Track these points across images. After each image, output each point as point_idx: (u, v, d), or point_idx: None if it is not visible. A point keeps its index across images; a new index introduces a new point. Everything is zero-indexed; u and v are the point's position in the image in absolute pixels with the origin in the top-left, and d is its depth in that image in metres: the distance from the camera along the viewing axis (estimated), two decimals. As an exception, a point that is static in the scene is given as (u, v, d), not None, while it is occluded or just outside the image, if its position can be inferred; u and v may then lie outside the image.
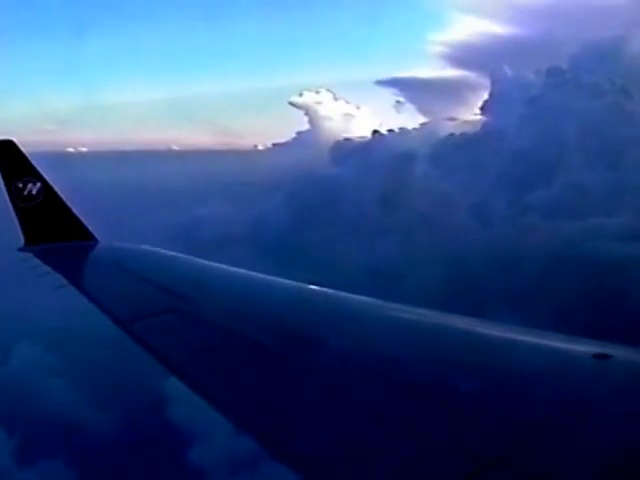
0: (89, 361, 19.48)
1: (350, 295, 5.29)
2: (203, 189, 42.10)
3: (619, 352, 3.61)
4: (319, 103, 53.37)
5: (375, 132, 53.59)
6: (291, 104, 54.60)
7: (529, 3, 53.83)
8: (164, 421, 16.44)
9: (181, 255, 7.29)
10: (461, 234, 31.98)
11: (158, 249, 7.46)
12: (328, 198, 36.42)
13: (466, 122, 49.28)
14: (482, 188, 38.55)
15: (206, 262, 6.71)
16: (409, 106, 55.53)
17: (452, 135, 48.11)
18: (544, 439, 2.94)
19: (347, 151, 43.08)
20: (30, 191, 7.49)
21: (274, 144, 50.33)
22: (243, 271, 6.37)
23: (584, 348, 3.77)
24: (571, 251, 28.75)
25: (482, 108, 47.01)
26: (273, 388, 3.82)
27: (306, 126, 53.05)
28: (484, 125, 47.04)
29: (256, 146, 52.00)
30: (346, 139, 51.85)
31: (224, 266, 6.56)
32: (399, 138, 51.06)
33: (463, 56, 58.65)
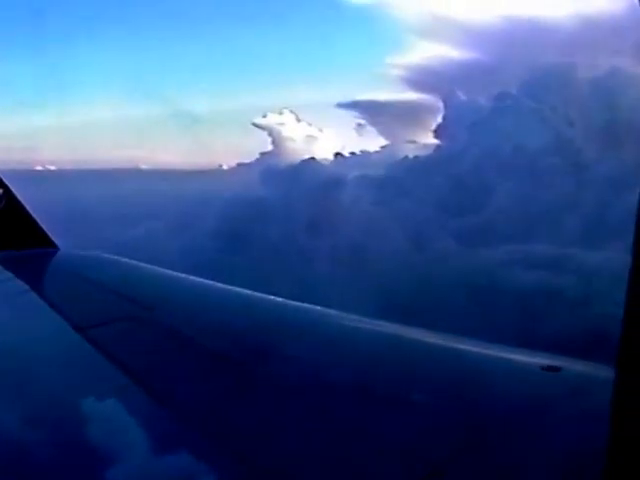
0: None
1: (311, 306, 5.36)
2: (150, 208, 42.32)
3: (568, 364, 3.70)
4: (282, 125, 53.53)
5: (337, 154, 53.91)
6: (255, 125, 54.74)
7: (485, 28, 53.83)
8: None
9: (142, 264, 7.30)
10: (377, 260, 31.90)
11: (119, 257, 7.48)
12: (256, 221, 36.61)
13: (425, 145, 49.27)
14: (417, 212, 38.59)
15: (167, 271, 6.81)
16: (370, 129, 55.23)
17: (405, 158, 48.23)
18: (494, 450, 2.99)
19: (282, 174, 43.29)
20: None
21: (238, 164, 50.31)
22: (205, 281, 6.41)
23: (534, 360, 3.83)
24: (479, 278, 28.62)
25: (435, 131, 46.95)
26: (232, 398, 3.82)
27: (270, 147, 53.22)
28: (436, 149, 47.13)
29: (221, 166, 51.87)
30: (305, 161, 52.24)
31: (185, 275, 6.65)
32: (355, 160, 51.28)
33: (421, 79, 58.79)
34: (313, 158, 51.72)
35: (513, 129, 40.11)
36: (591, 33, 44.60)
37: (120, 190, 47.16)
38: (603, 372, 3.24)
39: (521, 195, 36.98)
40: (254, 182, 45.96)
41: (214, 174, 50.22)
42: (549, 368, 3.57)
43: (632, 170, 36.69)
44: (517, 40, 48.35)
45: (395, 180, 43.82)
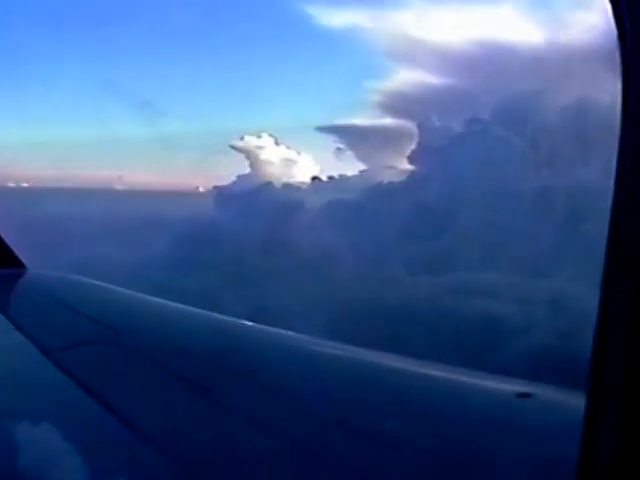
0: None
1: (278, 330, 5.42)
2: (113, 228, 42.29)
3: (540, 391, 3.76)
4: (260, 147, 53.42)
5: (314, 178, 53.69)
6: (232, 147, 54.65)
7: (461, 54, 53.63)
8: None
9: (111, 286, 7.24)
10: (321, 285, 31.55)
11: (88, 279, 7.46)
12: (211, 244, 36.45)
13: (403, 171, 48.92)
14: (379, 238, 38.26)
15: (136, 293, 6.77)
16: (350, 153, 54.96)
17: (380, 184, 47.90)
18: (470, 476, 3.03)
19: (249, 197, 43.19)
20: None
21: (215, 187, 50.18)
22: (173, 304, 6.40)
23: (508, 387, 3.88)
24: (416, 306, 28.16)
25: (409, 157, 46.64)
26: (197, 423, 3.80)
27: (247, 170, 53.11)
28: (410, 174, 46.78)
29: (197, 188, 51.73)
30: (266, 184, 52.14)
31: (154, 298, 6.62)
32: (332, 184, 50.99)
33: (399, 105, 58.53)
34: (289, 182, 51.78)
35: (479, 156, 39.74)
36: (564, 61, 44.19)
37: (87, 210, 47.18)
38: (574, 397, 3.18)
39: (481, 222, 36.54)
40: (222, 205, 45.90)
41: (189, 196, 49.93)
42: (522, 394, 3.60)
43: (594, 198, 36.25)
44: (492, 66, 48.12)
45: (365, 205, 43.66)
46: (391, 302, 28.87)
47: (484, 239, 34.91)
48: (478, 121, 43.13)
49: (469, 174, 39.80)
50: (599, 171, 38.06)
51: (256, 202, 45.09)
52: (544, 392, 3.77)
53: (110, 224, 42.72)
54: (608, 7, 1.41)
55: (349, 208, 43.61)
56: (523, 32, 57.95)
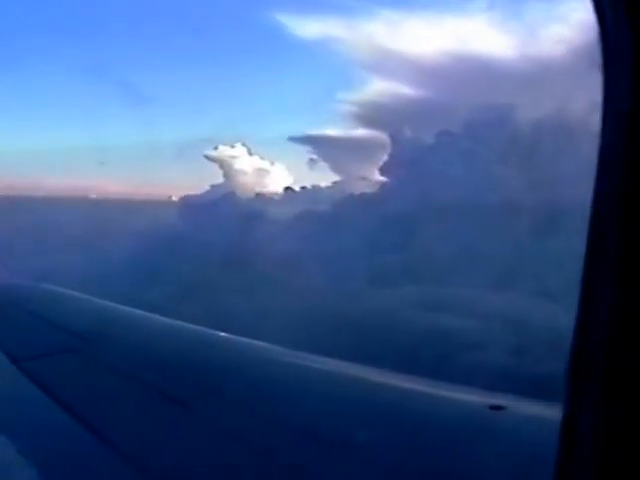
0: None
1: (250, 341, 5.44)
2: (79, 237, 41.97)
3: (513, 403, 3.79)
4: (234, 157, 53.21)
5: (287, 188, 53.53)
6: (206, 157, 54.42)
7: (434, 66, 53.69)
8: None
9: (83, 295, 7.26)
10: (280, 297, 31.33)
11: (60, 288, 7.44)
12: (172, 255, 36.23)
13: (376, 182, 48.82)
14: (344, 250, 38.09)
15: (108, 303, 6.73)
16: (323, 164, 54.76)
17: (351, 195, 47.80)
18: None
19: (215, 207, 43.08)
20: None
21: (188, 196, 49.98)
22: (146, 314, 6.38)
23: (481, 399, 3.88)
24: (372, 319, 27.94)
25: (381, 169, 46.55)
26: (167, 433, 3.78)
27: (221, 179, 52.90)
28: (382, 186, 46.67)
29: (170, 197, 51.45)
30: (257, 194, 52.00)
31: (127, 308, 6.57)
32: (304, 195, 50.85)
33: (373, 116, 58.52)
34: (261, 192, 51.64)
35: (448, 168, 39.67)
36: (536, 73, 44.20)
37: (56, 219, 46.86)
38: (547, 409, 3.34)
39: (446, 235, 36.42)
40: (188, 215, 45.74)
41: (162, 205, 49.61)
42: (495, 407, 3.62)
43: (560, 212, 36.15)
44: (464, 78, 48.11)
45: (335, 216, 43.56)
46: (347, 314, 28.65)
47: (448, 252, 34.77)
48: (448, 133, 43.05)
49: (437, 187, 39.74)
50: (566, 185, 38.03)
51: (224, 212, 44.92)
52: (517, 404, 3.81)
53: (78, 233, 42.37)
54: (590, 6, 1.41)
55: (319, 219, 43.51)
56: (496, 44, 58.07)
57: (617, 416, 1.30)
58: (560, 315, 27.13)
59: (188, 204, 48.02)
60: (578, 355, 1.43)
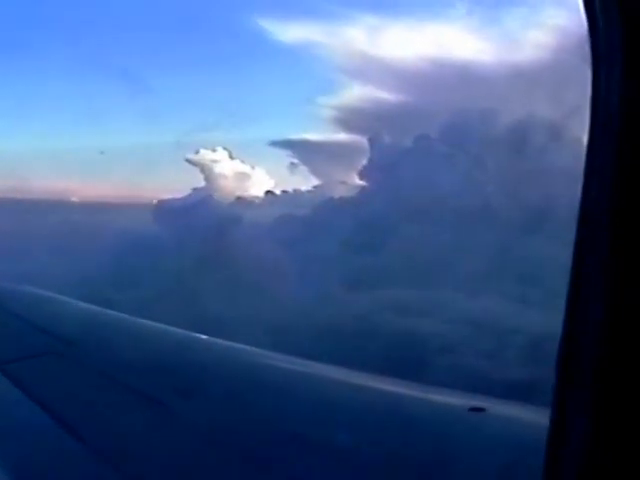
0: None
1: (231, 343, 5.47)
2: (57, 240, 41.81)
3: (493, 405, 3.78)
4: (215, 161, 53.14)
5: (268, 192, 53.51)
6: (188, 161, 54.31)
7: (414, 71, 53.87)
8: None
9: (65, 297, 7.18)
10: (252, 298, 31.37)
11: (41, 290, 7.37)
12: (147, 259, 36.21)
13: (356, 186, 48.84)
14: (320, 253, 38.16)
15: (90, 305, 6.75)
16: (303, 168, 54.80)
17: (331, 199, 47.84)
18: None
19: (192, 211, 43.05)
20: None
21: (169, 199, 49.84)
22: (129, 317, 6.35)
23: (461, 401, 3.90)
24: (343, 322, 28.03)
25: (360, 173, 46.64)
26: (150, 436, 3.77)
27: (202, 183, 52.77)
28: (361, 190, 46.76)
29: (152, 200, 51.30)
30: (239, 198, 52.00)
31: (109, 311, 6.62)
32: (285, 199, 50.89)
33: (353, 120, 58.53)
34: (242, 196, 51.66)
35: (424, 173, 39.86)
36: (516, 80, 44.47)
37: (36, 221, 46.70)
38: (526, 411, 3.46)
39: (422, 239, 36.58)
40: (171, 219, 45.65)
41: (143, 208, 49.49)
42: (475, 409, 3.62)
43: (538, 215, 36.39)
44: (444, 83, 48.33)
45: (314, 220, 43.59)
46: (321, 317, 28.75)
47: (425, 255, 34.93)
48: (426, 138, 43.23)
49: (414, 190, 39.91)
50: (541, 189, 38.27)
51: (204, 216, 44.89)
52: (497, 406, 3.82)
53: (57, 236, 42.23)
54: (581, 8, 1.40)
55: (299, 223, 43.54)
56: (475, 49, 58.28)
57: (606, 419, 1.30)
58: (534, 319, 27.28)
59: (168, 208, 47.94)
60: (566, 358, 1.41)
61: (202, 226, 42.77)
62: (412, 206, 39.18)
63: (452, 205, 38.01)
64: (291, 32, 66.97)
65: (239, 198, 51.75)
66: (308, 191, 52.19)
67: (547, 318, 28.72)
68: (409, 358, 24.53)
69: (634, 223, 1.29)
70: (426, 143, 42.71)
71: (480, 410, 3.64)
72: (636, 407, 1.28)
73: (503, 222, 36.97)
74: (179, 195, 50.86)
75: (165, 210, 49.02)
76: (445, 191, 38.79)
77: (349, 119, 59.84)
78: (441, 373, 23.03)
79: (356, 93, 65.89)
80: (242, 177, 53.88)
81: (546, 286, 31.43)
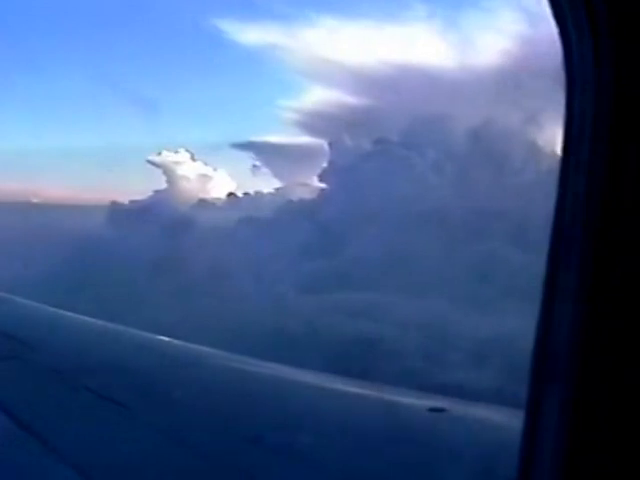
0: None
1: (192, 345, 5.48)
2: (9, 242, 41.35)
3: (453, 405, 3.84)
4: (177, 163, 52.89)
5: (230, 194, 53.37)
6: (150, 162, 54.01)
7: (375, 75, 54.11)
8: None
9: (27, 301, 7.17)
10: (203, 301, 31.24)
11: (3, 294, 7.28)
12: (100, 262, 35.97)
13: (317, 188, 48.87)
14: (276, 256, 38.10)
15: (52, 309, 6.68)
16: (265, 170, 54.63)
17: (291, 201, 47.88)
18: None
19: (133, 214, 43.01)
20: None
21: (130, 201, 49.47)
22: (92, 320, 6.35)
23: (421, 401, 3.95)
24: (292, 324, 28.03)
25: (320, 175, 46.69)
26: (113, 439, 3.74)
27: (164, 185, 52.49)
28: (320, 193, 46.85)
29: (114, 202, 50.85)
30: (201, 200, 51.82)
31: (71, 314, 6.53)
32: (246, 201, 50.81)
33: (314, 123, 58.75)
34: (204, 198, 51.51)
35: (382, 176, 39.97)
36: (475, 84, 44.81)
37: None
38: (486, 411, 3.55)
39: (378, 242, 36.66)
40: (131, 221, 45.39)
41: (104, 210, 49.12)
42: (435, 409, 3.69)
43: (490, 220, 36.63)
44: (404, 87, 48.55)
45: (273, 222, 43.56)
46: (267, 319, 28.71)
47: (378, 258, 34.99)
48: (385, 141, 43.42)
49: (370, 194, 40.02)
50: (497, 194, 38.57)
51: (165, 218, 44.69)
52: (457, 406, 3.90)
53: (10, 238, 41.74)
54: (553, 23, 1.42)
55: (258, 225, 43.46)
56: (435, 53, 58.71)
57: (579, 420, 1.31)
58: (479, 323, 27.40)
59: (128, 209, 47.67)
60: (540, 359, 1.41)
61: (160, 228, 42.58)
62: (368, 209, 39.28)
63: (407, 209, 38.17)
64: (250, 34, 66.72)
65: (201, 200, 51.60)
66: (270, 193, 52.13)
67: (492, 322, 28.96)
68: (352, 360, 24.61)
69: (607, 234, 1.30)
70: (385, 146, 42.88)
71: (440, 411, 3.71)
72: (606, 406, 1.30)
73: (457, 226, 37.23)
74: (140, 197, 50.70)
75: (125, 212, 48.75)
76: (401, 194, 38.94)
77: (310, 122, 60.04)
78: (383, 375, 23.14)
79: (317, 96, 66.07)
80: (204, 179, 53.73)
81: (495, 290, 31.73)
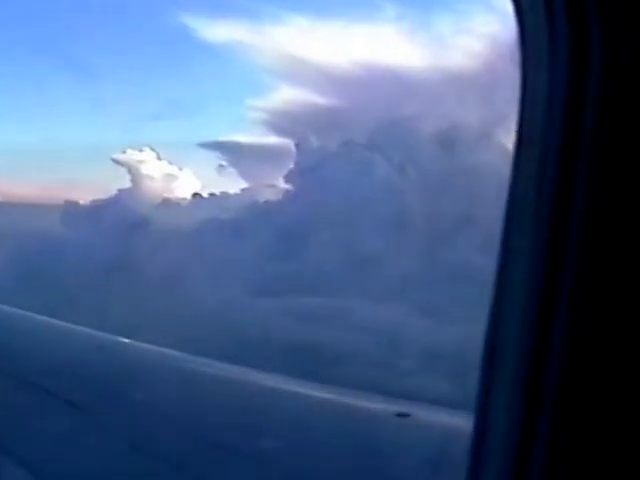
0: None
1: (149, 346, 5.44)
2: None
3: (419, 410, 3.92)
4: (142, 162, 51.78)
5: (195, 194, 52.36)
6: (114, 161, 52.85)
7: (345, 75, 53.52)
8: None
9: None
10: (156, 306, 30.48)
11: None
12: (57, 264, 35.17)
13: (282, 190, 48.00)
14: (237, 259, 37.38)
15: (7, 308, 6.56)
16: (232, 170, 53.58)
17: (256, 202, 47.07)
18: None
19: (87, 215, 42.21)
20: None
21: (93, 200, 48.45)
22: (52, 320, 6.34)
23: (387, 406, 4.03)
24: (244, 328, 27.33)
25: (286, 176, 45.88)
26: (68, 440, 3.74)
27: (128, 184, 51.38)
28: (285, 194, 46.06)
29: (77, 201, 49.68)
30: (165, 199, 50.83)
31: (29, 314, 6.48)
32: (212, 201, 49.90)
33: (282, 123, 57.86)
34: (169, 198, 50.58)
35: (347, 178, 39.37)
36: (444, 86, 44.28)
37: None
38: (452, 417, 3.47)
39: (340, 245, 36.06)
40: (92, 220, 44.57)
41: (63, 210, 47.99)
42: (401, 414, 3.76)
43: (454, 224, 35.99)
44: (373, 88, 47.96)
45: (236, 225, 42.84)
46: (217, 322, 28.00)
47: (339, 262, 34.42)
48: (352, 143, 42.78)
49: (334, 196, 39.43)
50: (464, 198, 37.93)
51: (127, 218, 43.78)
52: (423, 412, 3.96)
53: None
54: (514, 17, 1.43)
55: (221, 227, 42.77)
56: (405, 54, 58.07)
57: (528, 422, 1.31)
58: (438, 330, 26.63)
59: (90, 208, 46.78)
60: (490, 360, 1.43)
61: (120, 228, 41.72)
62: (331, 212, 38.68)
63: (371, 212, 37.54)
64: (217, 31, 65.22)
65: (165, 200, 50.58)
66: (236, 194, 51.16)
67: (450, 329, 28.22)
68: (300, 366, 23.80)
69: (558, 225, 1.30)
70: (351, 148, 42.20)
71: (406, 416, 3.75)
72: (555, 406, 1.30)
73: (421, 230, 36.62)
74: (103, 196, 49.60)
75: (86, 211, 47.75)
76: (365, 197, 38.34)
77: (278, 122, 58.92)
78: (331, 382, 22.35)
79: (285, 95, 64.73)
80: (169, 178, 52.65)
81: (456, 296, 31.04)
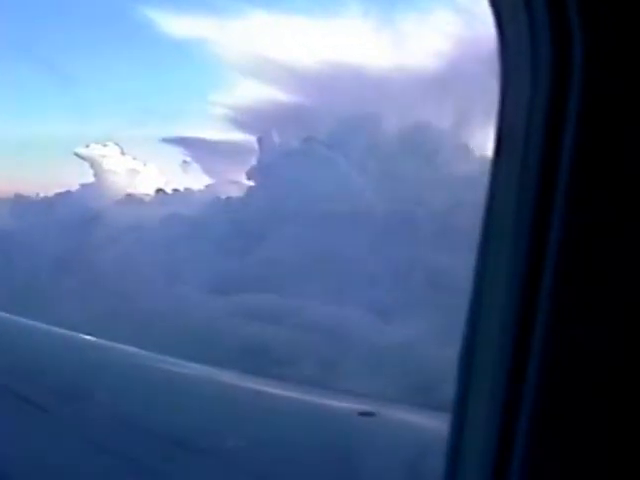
0: None
1: (115, 345, 5.33)
2: None
3: (383, 409, 3.92)
4: (105, 156, 51.15)
5: (159, 190, 51.84)
6: (77, 155, 52.16)
7: (309, 73, 53.38)
8: None
9: None
10: (106, 303, 30.09)
11: None
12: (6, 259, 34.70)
13: (245, 186, 47.65)
14: (192, 256, 36.96)
15: None
16: (196, 166, 53.12)
17: (219, 199, 46.76)
18: None
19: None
20: None
21: (56, 194, 47.85)
22: (19, 319, 6.19)
23: (350, 405, 4.04)
24: (194, 325, 27.06)
25: (248, 173, 45.56)
26: (34, 442, 3.67)
27: (91, 179, 50.75)
28: (248, 190, 45.76)
29: (38, 194, 49.01)
30: (128, 195, 50.29)
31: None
32: (175, 197, 49.47)
33: (247, 120, 57.39)
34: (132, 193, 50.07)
35: (307, 175, 39.17)
36: (408, 85, 44.20)
37: None
38: (417, 415, 3.79)
39: (297, 242, 35.83)
40: (50, 214, 44.01)
41: (15, 202, 47.29)
42: (365, 413, 3.76)
43: (415, 222, 35.85)
44: (337, 85, 47.74)
45: (197, 221, 42.50)
46: (165, 320, 27.69)
47: (293, 260, 34.20)
48: (313, 140, 42.59)
49: (294, 193, 39.26)
50: (425, 196, 37.84)
51: (86, 213, 43.29)
52: (387, 410, 3.89)
53: None
54: (492, 15, 1.41)
55: (183, 223, 42.40)
56: (369, 52, 57.91)
57: (507, 419, 1.31)
58: (387, 330, 26.42)
59: (49, 203, 46.22)
60: (467, 365, 1.42)
61: (78, 223, 41.22)
62: (290, 209, 38.48)
63: (329, 209, 37.36)
64: (181, 25, 64.28)
65: (128, 195, 50.04)
66: (199, 190, 50.77)
67: (401, 329, 28.01)
68: (244, 365, 23.57)
69: (539, 228, 1.30)
70: (311, 145, 42.01)
71: (370, 415, 3.68)
72: (535, 404, 1.30)
73: (380, 228, 36.48)
74: (64, 190, 48.95)
75: (43, 205, 47.17)
76: (324, 194, 38.16)
77: (241, 118, 58.41)
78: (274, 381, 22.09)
79: (249, 91, 64.23)
80: (133, 174, 52.07)
81: (411, 295, 30.90)
